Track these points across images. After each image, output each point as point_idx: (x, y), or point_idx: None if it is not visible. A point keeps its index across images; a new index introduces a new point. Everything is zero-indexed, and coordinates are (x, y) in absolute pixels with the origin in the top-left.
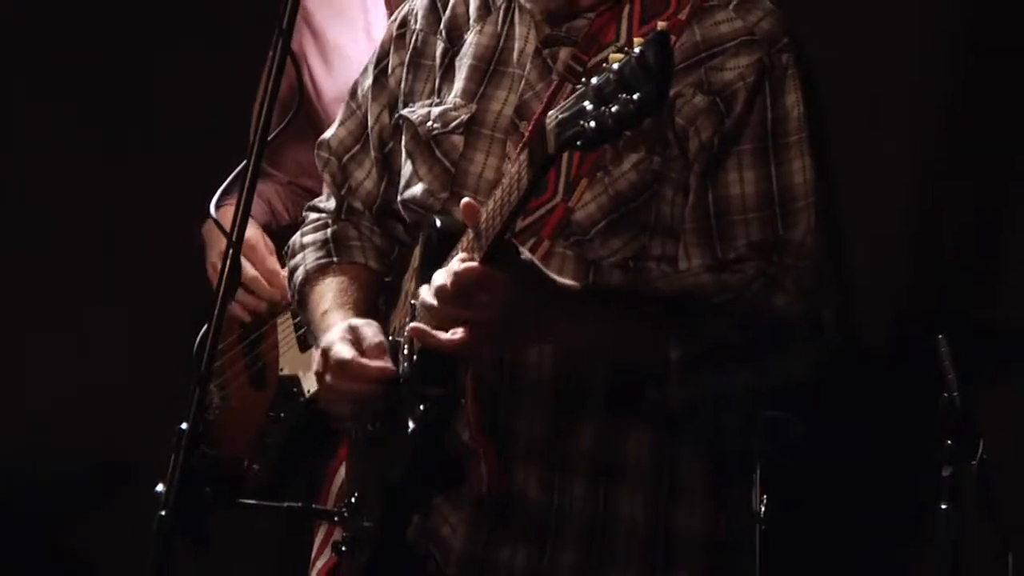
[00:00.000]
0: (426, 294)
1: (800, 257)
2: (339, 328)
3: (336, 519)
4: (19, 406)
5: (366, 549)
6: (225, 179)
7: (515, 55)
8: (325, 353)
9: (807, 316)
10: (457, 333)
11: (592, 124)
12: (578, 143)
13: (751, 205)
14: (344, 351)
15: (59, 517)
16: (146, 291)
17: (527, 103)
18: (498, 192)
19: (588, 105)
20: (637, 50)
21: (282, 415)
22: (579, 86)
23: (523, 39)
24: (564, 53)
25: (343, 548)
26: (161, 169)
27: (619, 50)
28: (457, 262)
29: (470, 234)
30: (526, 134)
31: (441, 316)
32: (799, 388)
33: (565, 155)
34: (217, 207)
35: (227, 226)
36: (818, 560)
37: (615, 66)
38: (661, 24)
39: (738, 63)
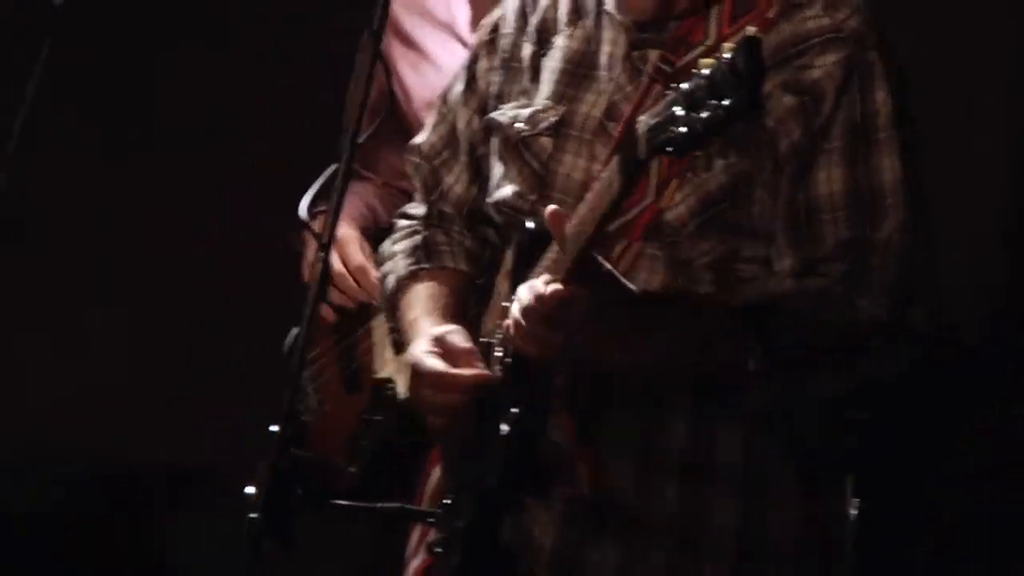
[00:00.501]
0: (514, 309)
1: (887, 256)
2: (424, 339)
3: (430, 520)
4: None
5: (459, 549)
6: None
7: (604, 58)
8: (414, 367)
9: (892, 317)
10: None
11: (683, 130)
12: (668, 149)
13: (839, 203)
14: (433, 363)
15: (149, 520)
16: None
17: (616, 105)
18: (589, 197)
19: (678, 111)
20: (727, 55)
21: (377, 417)
22: (668, 92)
23: (612, 43)
24: (653, 55)
25: (437, 549)
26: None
27: (709, 53)
28: (542, 283)
29: (554, 249)
30: (615, 135)
31: (526, 332)
32: (890, 389)
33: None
34: (310, 212)
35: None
36: (911, 565)
37: (705, 71)
38: (751, 29)
39: (825, 60)
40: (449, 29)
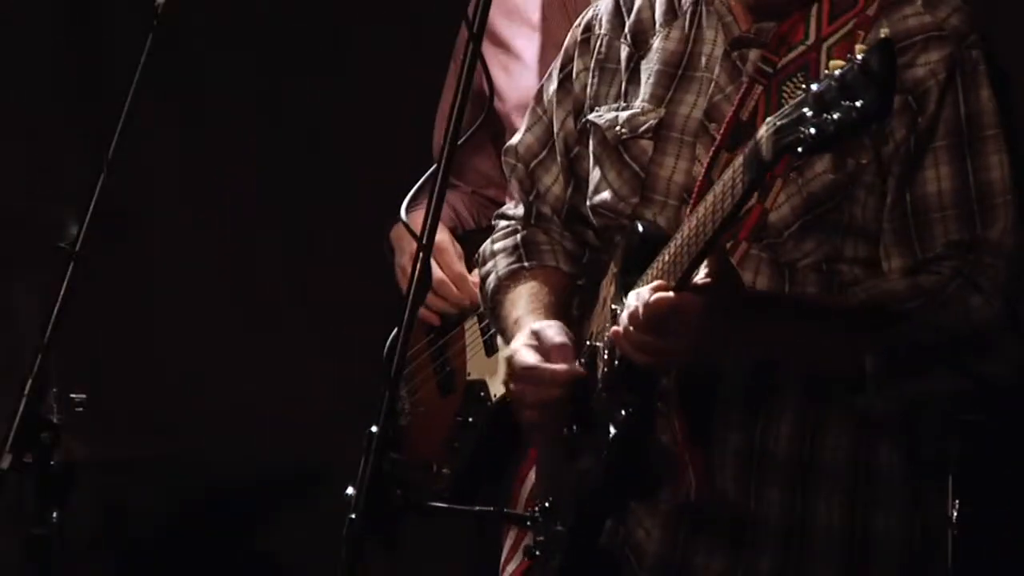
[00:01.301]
0: (624, 315)
1: (998, 256)
2: (523, 334)
3: (528, 523)
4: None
5: (559, 552)
6: (415, 184)
7: (703, 59)
8: (510, 360)
9: (1006, 315)
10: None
11: (812, 131)
12: (799, 149)
13: (948, 202)
14: (528, 356)
15: (251, 520)
16: (346, 293)
17: (717, 105)
18: (708, 199)
19: (807, 111)
20: (860, 56)
21: (470, 420)
22: (799, 92)
23: (711, 43)
24: (753, 55)
25: (536, 552)
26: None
27: (809, 52)
28: (649, 291)
29: (672, 246)
30: (717, 136)
31: (634, 340)
32: (1000, 390)
33: None
34: (407, 211)
35: (416, 229)
36: (1011, 568)
37: (837, 72)
38: (884, 31)
39: (928, 58)
40: (536, 25)
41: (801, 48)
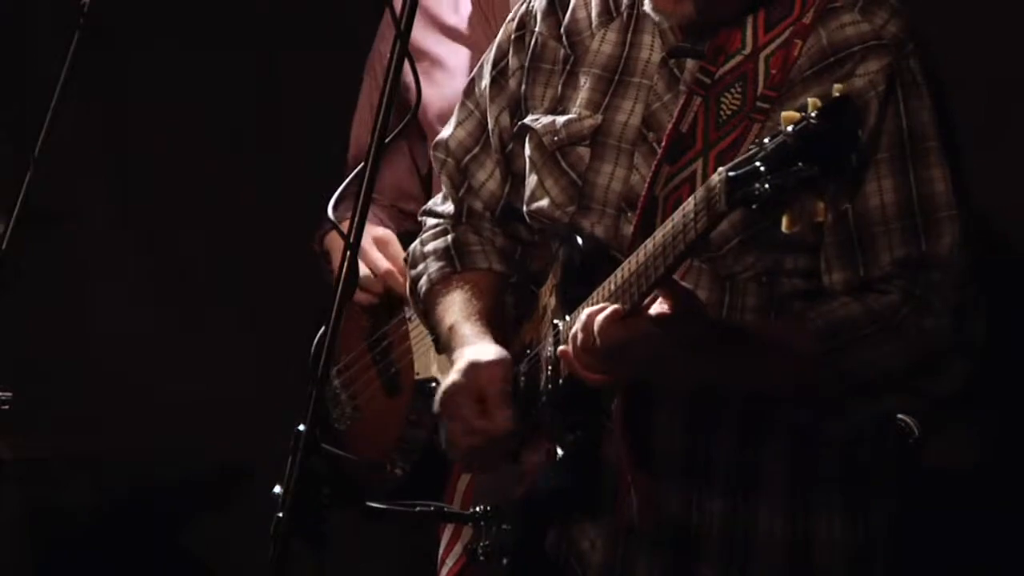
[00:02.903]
0: (576, 335)
1: (947, 271)
2: (461, 361)
3: (470, 522)
4: (144, 408)
5: (504, 556)
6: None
7: (640, 65)
8: (444, 392)
9: (957, 334)
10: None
11: (767, 187)
12: (753, 205)
13: (891, 215)
14: (463, 404)
15: (178, 518)
16: (275, 293)
17: (654, 114)
18: (668, 227)
19: (761, 167)
20: (814, 115)
21: (422, 417)
22: (752, 147)
23: (648, 48)
24: (691, 65)
25: (480, 556)
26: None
27: (745, 62)
28: (604, 319)
29: (625, 269)
30: (656, 147)
31: (585, 363)
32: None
33: (699, 171)
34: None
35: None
36: (957, 573)
37: (790, 128)
38: (838, 88)
39: (867, 69)
40: (457, 33)
41: (738, 58)
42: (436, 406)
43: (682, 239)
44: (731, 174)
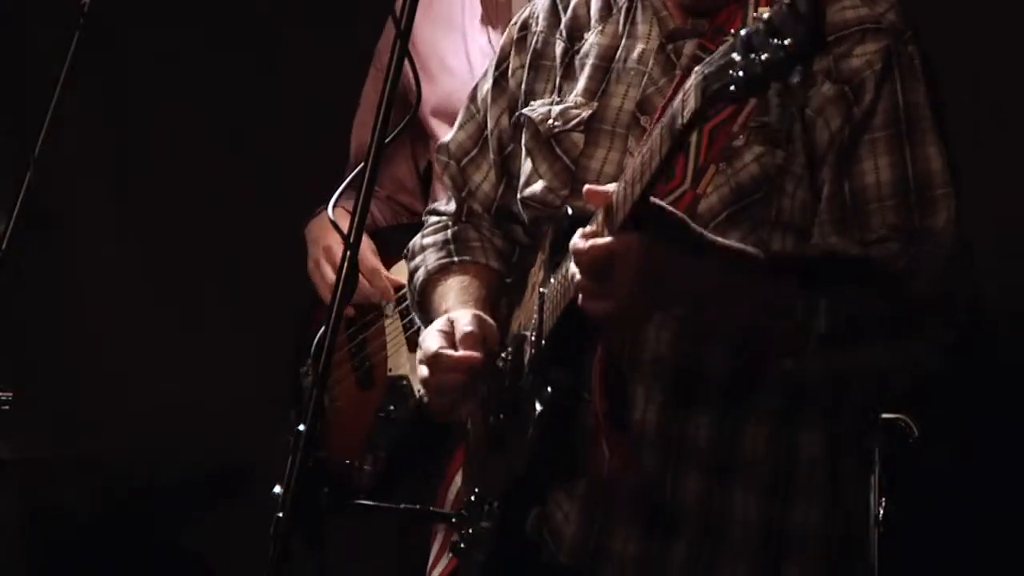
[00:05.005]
0: (572, 266)
1: (940, 246)
2: (439, 320)
3: (453, 521)
4: (144, 408)
5: (484, 547)
6: (340, 184)
7: (637, 53)
8: (419, 344)
9: (943, 301)
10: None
11: (741, 73)
12: (730, 89)
13: (887, 192)
14: (433, 342)
15: (178, 518)
16: (272, 293)
17: (649, 98)
18: (634, 163)
19: (736, 56)
20: (787, 1)
21: (391, 415)
22: (727, 38)
23: (645, 37)
24: (689, 47)
25: (461, 547)
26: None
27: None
28: (582, 239)
29: (598, 216)
30: (649, 127)
31: (586, 289)
32: (924, 384)
33: (693, 140)
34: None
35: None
36: (938, 566)
37: (765, 15)
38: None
39: (865, 49)
40: (460, 33)
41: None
42: (417, 359)
43: (658, 156)
44: (707, 71)
